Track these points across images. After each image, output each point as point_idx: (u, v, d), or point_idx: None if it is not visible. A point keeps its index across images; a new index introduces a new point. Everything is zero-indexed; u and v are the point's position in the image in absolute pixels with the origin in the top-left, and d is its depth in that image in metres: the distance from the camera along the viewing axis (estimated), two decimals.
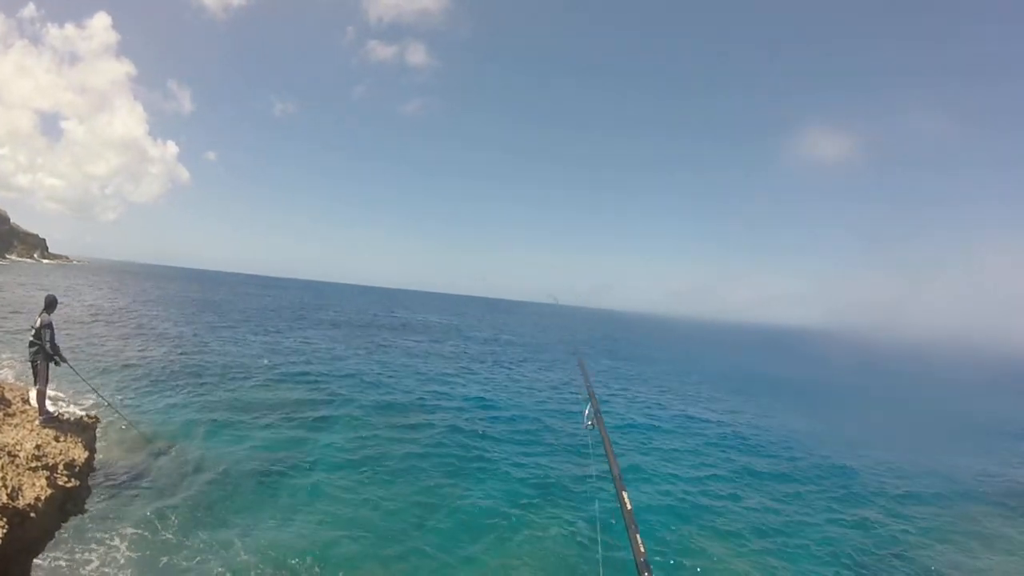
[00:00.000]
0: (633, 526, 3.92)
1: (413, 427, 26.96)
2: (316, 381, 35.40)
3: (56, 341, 11.46)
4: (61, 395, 24.38)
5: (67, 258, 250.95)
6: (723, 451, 27.92)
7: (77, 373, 14.72)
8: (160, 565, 14.03)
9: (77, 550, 14.11)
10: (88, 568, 13.61)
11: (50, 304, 11.50)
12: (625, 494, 4.28)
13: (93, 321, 54.20)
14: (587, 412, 6.12)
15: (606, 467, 4.81)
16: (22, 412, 10.81)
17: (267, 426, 25.33)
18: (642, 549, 3.71)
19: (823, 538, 18.77)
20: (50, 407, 11.47)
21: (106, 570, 13.60)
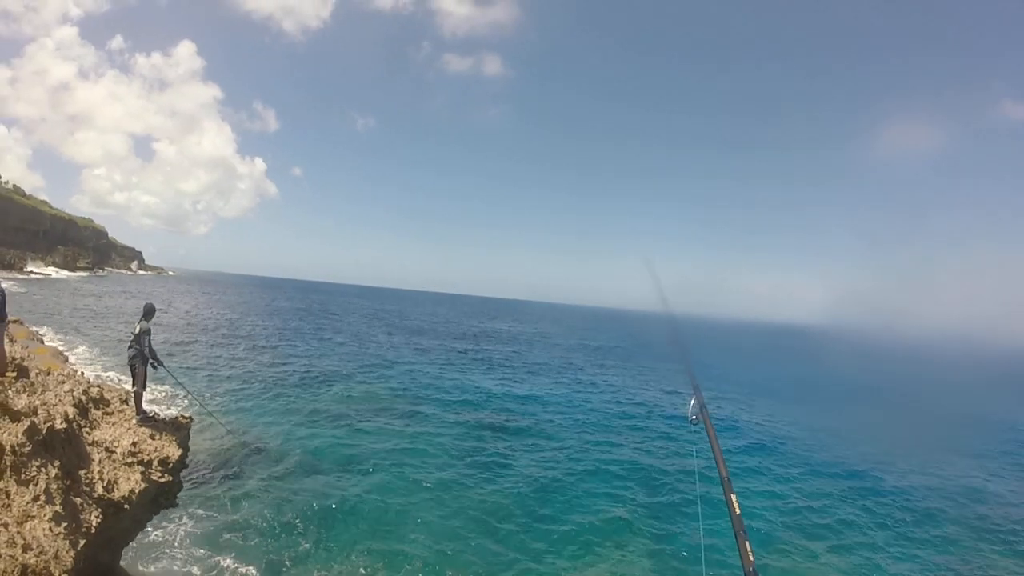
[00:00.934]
0: (742, 532, 3.77)
1: (506, 429, 27.21)
2: (405, 389, 36.21)
3: (153, 347, 12.25)
4: (158, 397, 25.89)
5: (162, 269, 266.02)
6: (804, 456, 26.93)
7: (173, 376, 15.66)
8: (240, 553, 14.65)
9: (165, 540, 14.90)
10: (173, 555, 14.34)
11: (148, 312, 12.31)
12: (734, 497, 4.10)
13: (187, 327, 57.37)
14: (691, 405, 5.99)
15: (711, 465, 4.64)
16: (120, 412, 11.53)
17: (355, 430, 26.00)
18: (751, 558, 3.56)
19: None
20: (146, 408, 12.23)
21: (190, 558, 14.30)
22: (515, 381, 44.43)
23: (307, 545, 15.39)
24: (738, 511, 3.96)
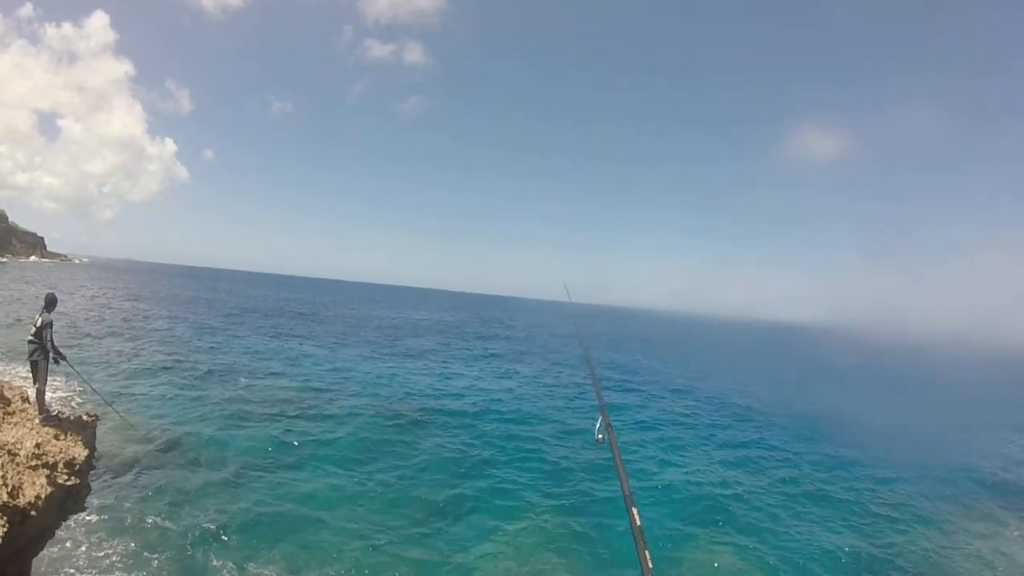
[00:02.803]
0: (642, 542, 3.90)
1: (415, 426, 27.14)
2: (311, 382, 35.60)
3: (55, 340, 11.47)
4: (61, 394, 24.45)
5: (65, 256, 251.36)
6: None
7: (76, 372, 14.76)
8: (156, 560, 14.08)
9: (75, 547, 14.13)
10: (85, 564, 13.63)
11: (50, 303, 11.49)
12: (635, 510, 4.23)
13: (93, 319, 54.32)
14: (599, 425, 6.01)
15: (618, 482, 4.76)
16: (22, 411, 10.78)
17: (267, 423, 25.38)
18: (650, 565, 3.72)
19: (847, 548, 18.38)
20: (49, 406, 11.48)
21: (104, 566, 13.62)
22: (415, 368, 44.78)
23: (221, 547, 14.96)
24: (639, 523, 4.14)
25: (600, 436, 5.91)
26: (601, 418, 6.10)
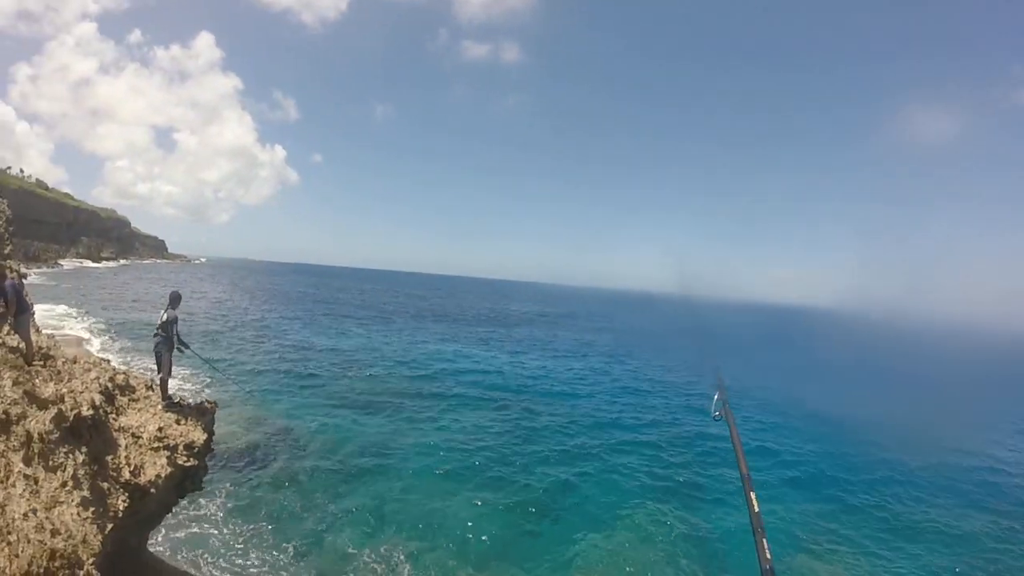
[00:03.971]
0: (760, 530, 3.71)
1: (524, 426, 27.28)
2: (426, 375, 36.53)
3: (179, 333, 12.34)
4: (183, 383, 26.23)
5: (185, 257, 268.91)
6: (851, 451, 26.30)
7: (201, 358, 15.79)
8: (265, 542, 14.91)
9: (191, 524, 15.24)
10: (199, 539, 14.66)
11: (175, 300, 12.35)
12: (753, 495, 4.04)
13: (213, 313, 58.06)
14: (715, 401, 5.91)
15: (734, 463, 4.60)
16: (145, 398, 11.63)
17: (377, 416, 26.31)
18: (768, 556, 3.53)
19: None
20: (172, 394, 12.34)
21: (217, 544, 14.60)
22: (536, 364, 44.75)
23: (330, 534, 15.60)
24: (757, 508, 3.92)
25: (717, 414, 5.76)
26: (718, 395, 5.92)
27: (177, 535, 14.58)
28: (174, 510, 12.73)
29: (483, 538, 15.85)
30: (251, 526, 15.49)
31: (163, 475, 9.76)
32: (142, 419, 10.73)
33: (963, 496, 21.64)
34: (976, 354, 77.63)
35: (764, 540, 3.63)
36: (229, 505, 16.44)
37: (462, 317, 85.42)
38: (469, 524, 16.53)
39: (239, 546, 14.53)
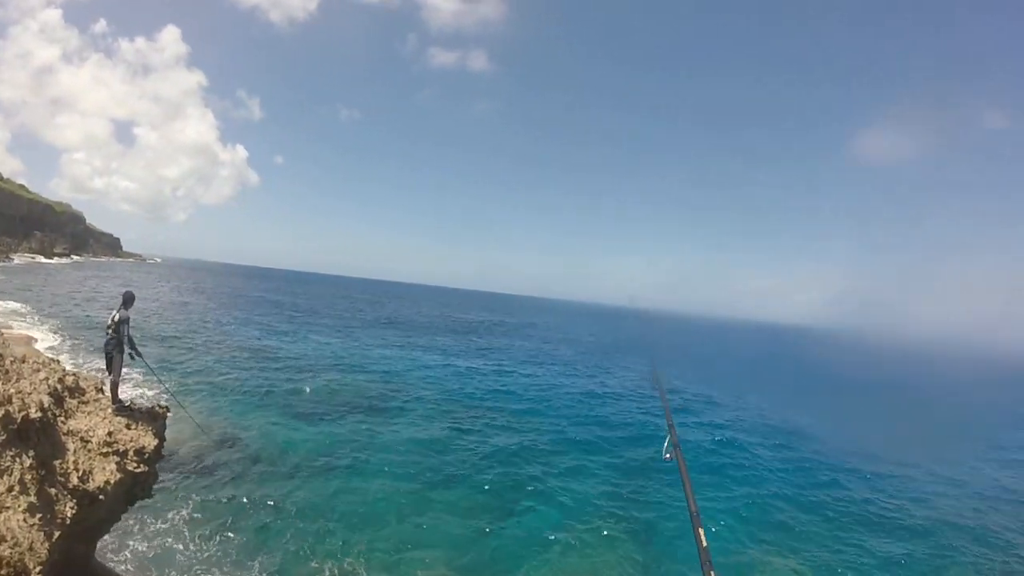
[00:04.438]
0: (708, 564, 3.84)
1: (471, 431, 27.16)
2: (381, 382, 36.19)
3: (131, 336, 12.06)
4: (134, 386, 25.60)
5: (140, 256, 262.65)
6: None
7: (150, 368, 15.46)
8: (216, 550, 14.64)
9: (140, 532, 14.88)
10: (148, 546, 14.33)
11: (128, 300, 12.09)
12: (701, 531, 4.18)
13: (165, 318, 56.64)
14: (666, 444, 6.05)
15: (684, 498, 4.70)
16: (95, 401, 11.33)
17: (330, 422, 26.03)
18: None
19: None
20: (122, 397, 12.06)
21: (165, 552, 14.28)
22: (495, 372, 44.89)
23: (277, 541, 15.39)
24: (705, 544, 4.04)
25: (668, 455, 5.91)
26: (669, 436, 6.08)
27: (124, 544, 14.21)
28: (123, 517, 12.42)
29: (444, 547, 15.83)
30: (198, 535, 15.17)
31: (112, 481, 9.53)
32: (92, 423, 10.46)
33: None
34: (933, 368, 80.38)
35: (712, 573, 3.75)
36: (177, 515, 16.05)
37: (422, 325, 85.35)
38: (429, 533, 16.54)
39: (184, 557, 14.26)
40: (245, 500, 17.41)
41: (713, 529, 17.72)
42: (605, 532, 17.84)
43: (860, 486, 24.49)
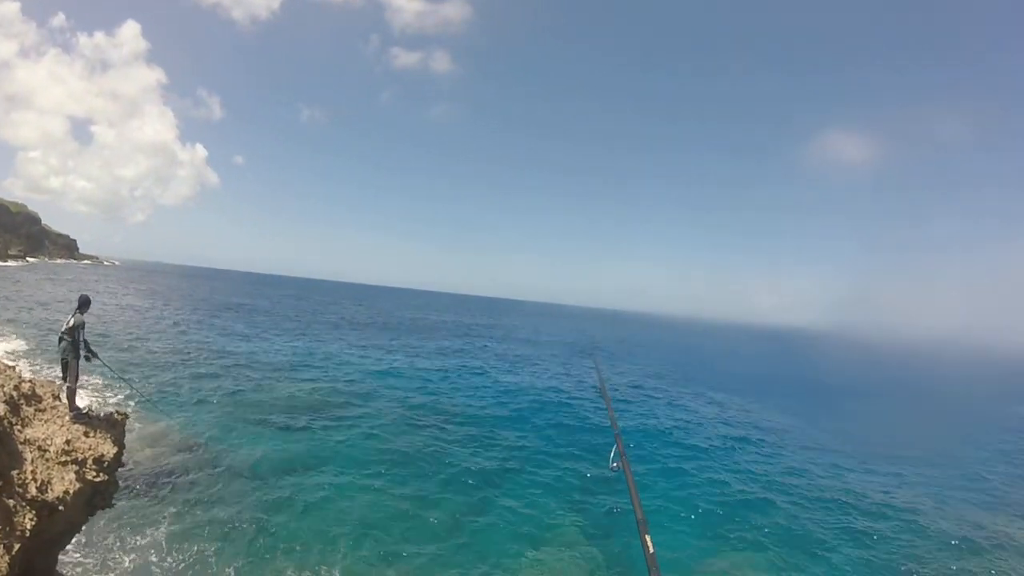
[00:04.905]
0: (655, 569, 3.93)
1: (441, 434, 27.09)
2: (342, 384, 35.81)
3: (87, 340, 11.76)
4: (91, 393, 25.00)
5: (97, 258, 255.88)
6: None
7: (110, 368, 15.11)
8: (181, 559, 14.35)
9: (101, 542, 14.49)
10: (110, 560, 13.95)
11: (83, 304, 11.80)
12: (648, 537, 4.24)
13: (122, 321, 55.28)
14: (612, 453, 6.10)
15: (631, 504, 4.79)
16: (52, 408, 11.05)
17: (295, 427, 25.65)
18: None
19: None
20: (80, 404, 11.78)
21: (127, 563, 13.93)
22: (452, 371, 45.26)
23: (242, 550, 15.12)
24: (652, 550, 4.15)
25: (615, 465, 5.96)
26: (616, 447, 6.14)
27: (85, 556, 13.87)
28: (83, 528, 12.12)
29: (415, 550, 15.79)
30: (160, 546, 14.85)
31: (72, 491, 9.29)
32: (49, 431, 10.19)
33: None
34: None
35: None
36: (138, 525, 15.66)
37: (385, 325, 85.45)
38: (401, 538, 16.47)
39: (145, 569, 13.97)
40: (214, 509, 17.01)
41: (664, 535, 17.32)
42: (558, 541, 17.58)
43: (819, 485, 24.63)
